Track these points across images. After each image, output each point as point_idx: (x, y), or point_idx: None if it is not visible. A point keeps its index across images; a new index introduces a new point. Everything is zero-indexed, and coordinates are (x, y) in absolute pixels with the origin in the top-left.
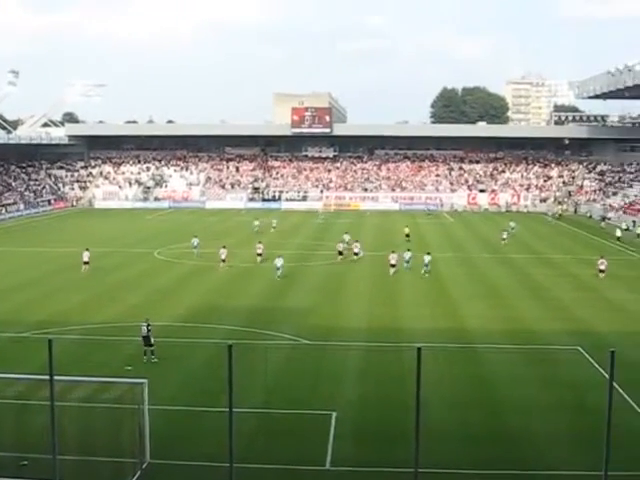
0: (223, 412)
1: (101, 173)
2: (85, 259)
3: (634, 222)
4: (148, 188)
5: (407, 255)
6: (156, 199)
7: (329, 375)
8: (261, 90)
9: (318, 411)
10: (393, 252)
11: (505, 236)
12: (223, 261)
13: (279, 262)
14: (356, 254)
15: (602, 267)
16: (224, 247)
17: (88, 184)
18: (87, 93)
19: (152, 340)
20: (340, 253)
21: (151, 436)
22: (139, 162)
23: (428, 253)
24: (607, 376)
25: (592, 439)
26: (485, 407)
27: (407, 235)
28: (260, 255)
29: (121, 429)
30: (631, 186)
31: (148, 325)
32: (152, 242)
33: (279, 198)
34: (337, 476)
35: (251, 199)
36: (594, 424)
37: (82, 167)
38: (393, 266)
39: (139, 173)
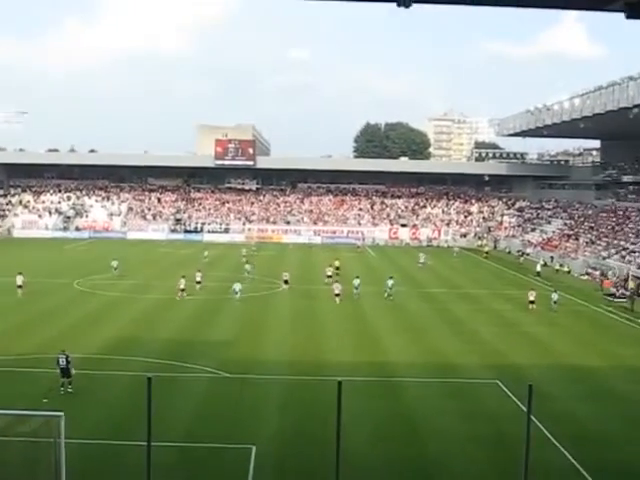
0: (141, 446)
1: (20, 202)
2: (19, 283)
3: (552, 258)
4: (68, 218)
5: (356, 282)
6: (76, 229)
7: (249, 409)
8: (185, 122)
9: (238, 445)
10: (337, 282)
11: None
12: (182, 290)
13: (237, 287)
14: (286, 282)
15: (532, 298)
16: (183, 277)
17: (7, 213)
18: (7, 120)
19: (72, 372)
20: (286, 282)
21: (68, 471)
22: (60, 191)
23: (357, 277)
24: (525, 409)
25: (511, 471)
26: (406, 441)
27: (337, 268)
28: (199, 283)
29: (37, 464)
30: (549, 222)
31: (67, 357)
32: (71, 272)
33: (201, 230)
34: None
35: (173, 230)
36: (513, 456)
37: (1, 195)
38: (337, 295)
39: (59, 202)
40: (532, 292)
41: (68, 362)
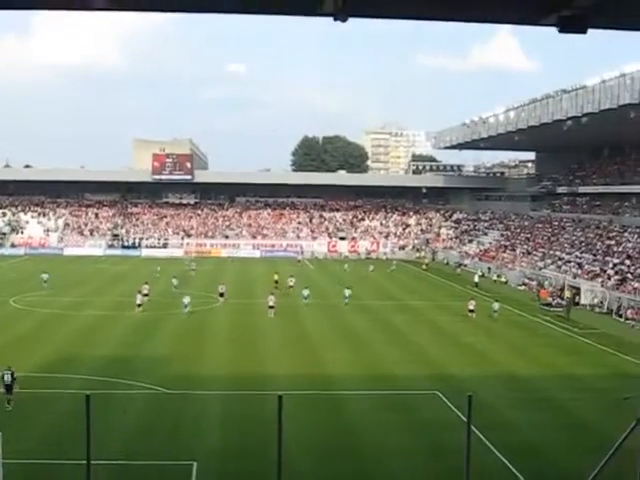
0: (81, 464)
1: None
2: None
3: (489, 269)
4: (4, 234)
5: (305, 292)
6: (12, 245)
7: (189, 425)
8: (121, 136)
9: (178, 462)
10: (272, 294)
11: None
12: (139, 305)
13: (186, 300)
14: (222, 295)
15: (471, 307)
16: (139, 292)
17: None
18: None
19: (15, 389)
20: (221, 295)
21: None
22: None
23: (306, 287)
24: (465, 419)
25: None
26: (346, 453)
27: (276, 282)
28: (147, 295)
29: None
30: (486, 234)
31: (12, 373)
32: (7, 289)
33: (139, 245)
34: None
35: (110, 246)
36: (454, 466)
37: None
38: (271, 307)
39: None
40: (472, 301)
41: (13, 379)
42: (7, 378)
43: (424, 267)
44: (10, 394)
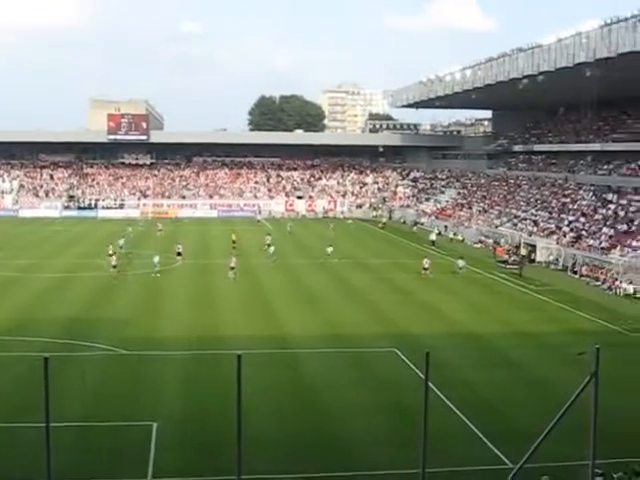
0: (40, 427)
1: None
2: None
3: (445, 227)
4: None
5: (271, 249)
6: None
7: (149, 386)
8: (76, 96)
9: (138, 422)
10: (233, 256)
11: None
12: (114, 267)
13: (156, 259)
14: (179, 254)
15: (426, 265)
16: (114, 254)
17: None
18: None
19: None
20: (179, 254)
21: None
22: None
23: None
24: (423, 377)
25: (410, 438)
26: (306, 412)
27: (233, 242)
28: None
29: None
30: (442, 192)
31: None
32: None
33: (95, 206)
34: None
35: (66, 207)
36: (412, 423)
37: None
38: (232, 269)
39: None
40: (426, 260)
41: None
42: None
43: (380, 226)
44: None
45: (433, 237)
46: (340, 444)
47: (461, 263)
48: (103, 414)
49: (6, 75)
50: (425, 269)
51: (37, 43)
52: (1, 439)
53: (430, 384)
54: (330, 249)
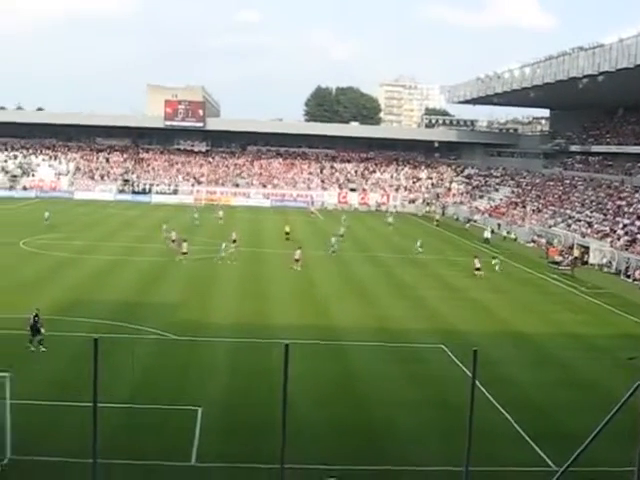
0: (87, 407)
1: None
2: None
3: (499, 225)
4: (15, 177)
5: (333, 239)
6: (23, 188)
7: (196, 371)
8: (134, 83)
9: (184, 407)
10: (299, 248)
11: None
12: (184, 253)
13: (222, 245)
14: (234, 241)
15: (478, 265)
16: (185, 240)
17: None
18: None
19: (42, 330)
20: (234, 241)
21: (13, 432)
22: (6, 150)
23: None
24: (470, 374)
25: (454, 435)
26: (351, 403)
27: (287, 233)
28: (174, 241)
29: None
30: (497, 190)
31: (36, 316)
32: (18, 232)
33: (149, 191)
34: (202, 472)
35: (121, 191)
36: (456, 420)
37: None
38: (297, 261)
39: (6, 161)
40: (477, 259)
41: (35, 321)
42: (31, 320)
43: (435, 223)
44: (33, 335)
45: (487, 235)
46: (384, 438)
47: (494, 262)
48: (150, 397)
49: (65, 59)
50: (477, 269)
51: (95, 29)
52: (50, 417)
53: (477, 382)
54: (419, 243)
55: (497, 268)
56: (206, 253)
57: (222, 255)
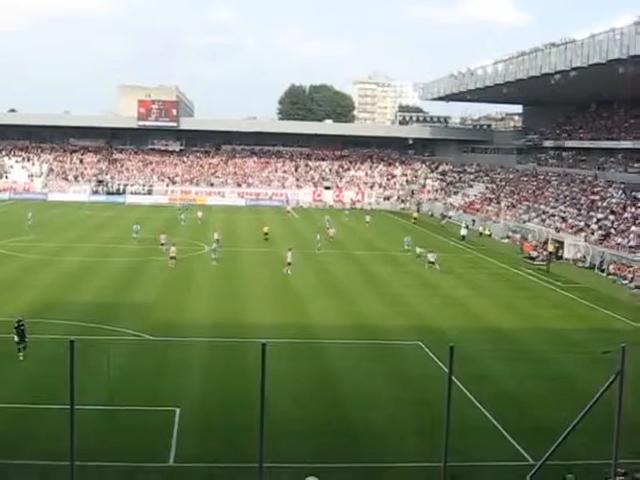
0: (64, 410)
1: None
2: None
3: (473, 221)
4: None
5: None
6: None
7: (173, 371)
8: (107, 82)
9: (161, 407)
10: (289, 250)
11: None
12: (172, 258)
13: (213, 245)
14: (217, 241)
15: (432, 259)
16: (173, 244)
17: None
18: None
19: (25, 337)
20: (217, 241)
21: None
22: None
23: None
24: (447, 370)
25: (432, 431)
26: (329, 402)
27: (265, 234)
28: (163, 245)
29: None
30: (471, 186)
31: (19, 322)
32: None
33: (124, 192)
34: (180, 472)
35: (95, 192)
36: (434, 417)
37: None
38: (289, 264)
39: None
40: (431, 254)
41: (16, 327)
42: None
43: (413, 221)
44: (19, 343)
45: (464, 232)
46: (362, 435)
47: (424, 252)
48: (127, 398)
49: (37, 59)
50: (431, 262)
51: (67, 29)
52: (26, 420)
53: (454, 378)
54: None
55: (428, 262)
56: (184, 253)
57: (215, 257)
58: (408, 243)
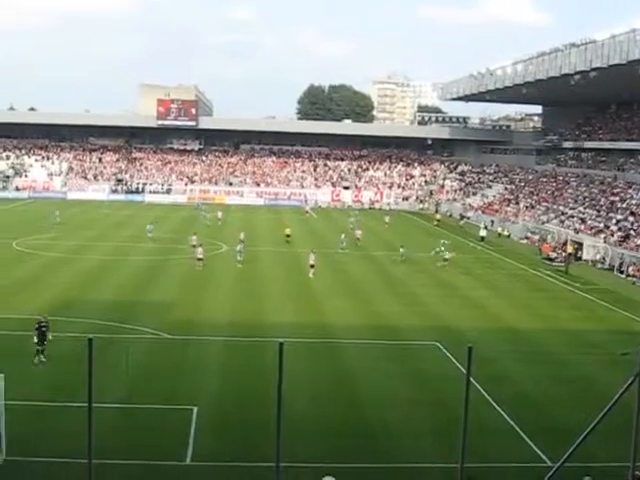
0: (82, 407)
1: None
2: None
3: (492, 222)
4: (7, 177)
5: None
6: (16, 189)
7: (191, 370)
8: (126, 81)
9: (179, 406)
10: (312, 252)
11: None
12: (200, 260)
13: (238, 247)
14: (242, 241)
15: (312, 262)
16: (200, 245)
17: None
18: None
19: (49, 336)
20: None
21: (8, 431)
22: None
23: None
24: (464, 371)
25: (449, 432)
26: (346, 401)
27: (287, 235)
28: (194, 246)
29: None
30: (490, 187)
31: (42, 322)
32: (11, 232)
33: (142, 190)
34: (197, 471)
35: (114, 191)
36: (451, 417)
37: None
38: (312, 267)
39: None
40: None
41: (38, 328)
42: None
43: (435, 223)
44: (40, 345)
45: (483, 233)
46: (378, 435)
47: (402, 250)
48: (144, 397)
49: (57, 58)
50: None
51: (87, 27)
52: (44, 418)
53: (471, 379)
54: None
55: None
56: (191, 253)
57: (240, 258)
58: (444, 246)
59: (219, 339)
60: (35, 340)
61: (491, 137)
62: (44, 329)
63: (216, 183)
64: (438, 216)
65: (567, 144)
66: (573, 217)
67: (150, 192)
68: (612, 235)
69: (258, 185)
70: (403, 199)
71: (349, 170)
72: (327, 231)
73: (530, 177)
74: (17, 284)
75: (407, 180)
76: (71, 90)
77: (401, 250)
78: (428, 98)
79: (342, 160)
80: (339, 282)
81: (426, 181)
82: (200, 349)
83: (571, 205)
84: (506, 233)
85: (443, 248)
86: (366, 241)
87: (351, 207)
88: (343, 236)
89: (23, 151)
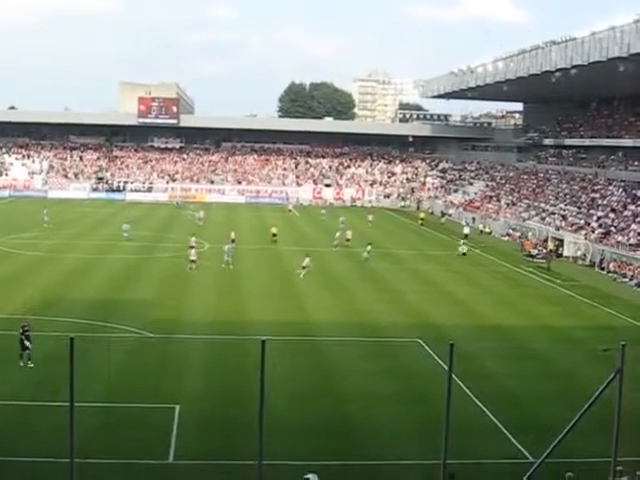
0: (64, 407)
1: None
2: None
3: (473, 219)
4: None
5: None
6: None
7: (173, 368)
8: (107, 79)
9: (161, 405)
10: (307, 255)
11: (337, 235)
12: (192, 261)
13: (226, 247)
14: (233, 241)
15: (305, 264)
16: (192, 247)
17: None
18: None
19: (28, 344)
20: (232, 241)
21: None
22: None
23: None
24: (446, 367)
25: (432, 429)
26: (328, 399)
27: (274, 234)
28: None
29: None
30: (471, 184)
31: (24, 327)
32: None
33: (124, 189)
34: (180, 469)
35: (95, 189)
36: (434, 414)
37: None
38: (304, 268)
39: None
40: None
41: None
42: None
43: (420, 222)
44: (23, 350)
45: (466, 231)
46: (361, 433)
47: (369, 248)
48: (127, 395)
49: (37, 57)
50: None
51: (67, 26)
52: (26, 417)
53: (453, 375)
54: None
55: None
56: (182, 251)
57: (229, 258)
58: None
59: (201, 337)
60: (25, 344)
61: (472, 134)
62: (27, 333)
63: (197, 181)
64: (422, 214)
65: (548, 141)
66: (554, 214)
67: (131, 190)
68: (593, 232)
69: (239, 183)
70: (385, 197)
71: (330, 168)
72: (312, 229)
73: (511, 174)
74: None
75: (389, 177)
76: (51, 88)
77: (368, 247)
78: (409, 96)
79: (323, 158)
80: (320, 279)
81: (407, 178)
82: (182, 347)
83: (552, 202)
84: (487, 230)
85: (368, 250)
86: (355, 241)
87: (328, 205)
88: (338, 234)
89: (3, 150)
